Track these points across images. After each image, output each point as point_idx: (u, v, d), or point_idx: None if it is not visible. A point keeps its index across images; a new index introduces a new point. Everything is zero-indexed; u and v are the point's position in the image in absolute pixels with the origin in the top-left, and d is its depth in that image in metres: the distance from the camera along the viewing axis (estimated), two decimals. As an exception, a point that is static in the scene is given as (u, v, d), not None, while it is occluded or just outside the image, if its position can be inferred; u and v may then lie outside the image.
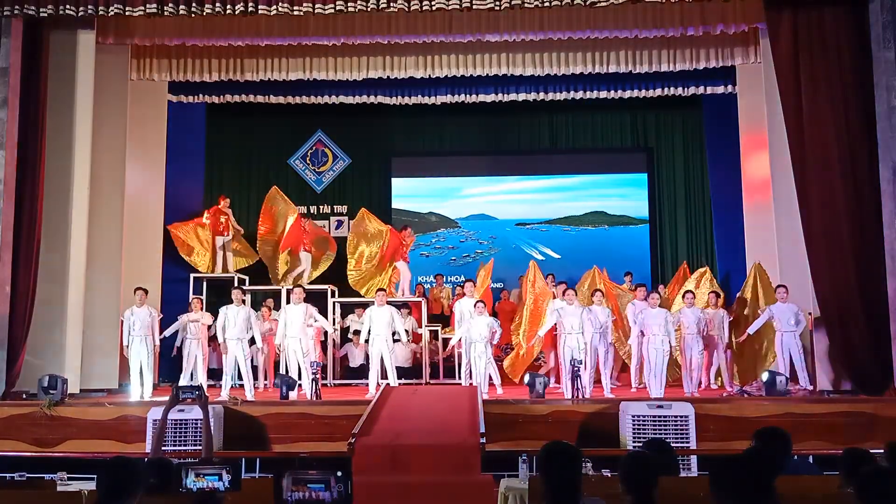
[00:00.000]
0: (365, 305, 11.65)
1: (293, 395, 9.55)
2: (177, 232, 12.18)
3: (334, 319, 12.09)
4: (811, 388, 9.57)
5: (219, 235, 12.48)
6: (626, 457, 3.50)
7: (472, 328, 9.95)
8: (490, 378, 10.02)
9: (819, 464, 6.07)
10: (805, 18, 9.92)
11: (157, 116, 11.84)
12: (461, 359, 10.32)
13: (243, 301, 10.35)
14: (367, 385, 10.25)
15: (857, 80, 9.63)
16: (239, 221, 15.12)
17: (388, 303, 10.51)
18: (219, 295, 12.68)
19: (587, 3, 9.35)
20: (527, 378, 9.37)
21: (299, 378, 9.88)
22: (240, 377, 10.01)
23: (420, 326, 11.83)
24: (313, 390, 9.39)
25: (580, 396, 8.99)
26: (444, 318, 12.68)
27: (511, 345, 11.30)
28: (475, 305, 10.19)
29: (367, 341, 10.32)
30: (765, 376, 9.22)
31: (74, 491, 5.28)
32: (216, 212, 12.60)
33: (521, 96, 12.68)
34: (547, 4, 9.43)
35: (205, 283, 12.46)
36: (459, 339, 10.33)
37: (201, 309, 10.45)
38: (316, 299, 11.28)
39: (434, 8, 9.38)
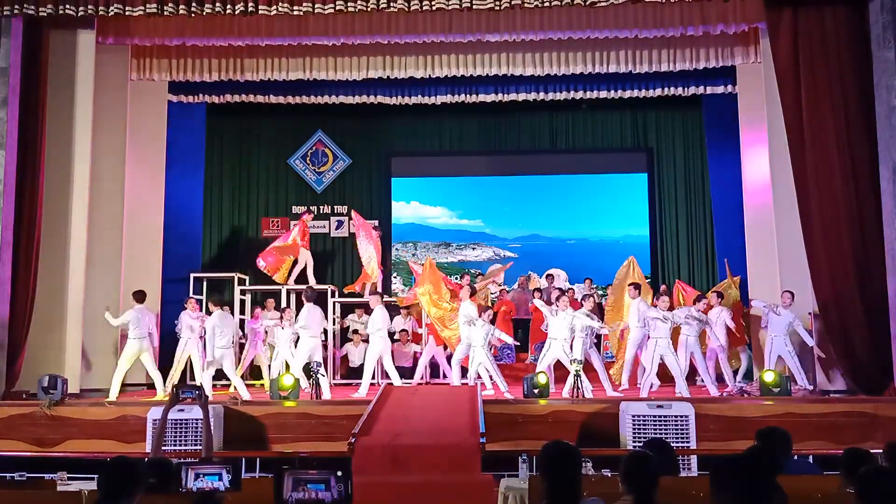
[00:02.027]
0: (365, 306, 11.65)
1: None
2: (278, 255, 12.19)
3: (335, 319, 12.09)
4: (811, 387, 9.57)
5: (304, 248, 12.51)
6: (627, 456, 3.50)
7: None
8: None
9: (819, 464, 6.08)
10: (805, 18, 9.93)
11: (157, 116, 11.83)
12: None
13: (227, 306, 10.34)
14: (372, 384, 10.25)
15: (857, 80, 9.63)
16: (239, 221, 15.19)
17: (389, 303, 10.52)
18: (219, 294, 12.67)
19: (587, 3, 9.35)
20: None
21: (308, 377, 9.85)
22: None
23: (420, 326, 11.81)
24: (314, 390, 9.39)
25: (580, 396, 8.99)
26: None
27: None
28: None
29: (366, 340, 10.34)
30: (769, 376, 9.21)
31: (74, 491, 5.29)
32: (305, 227, 12.64)
33: (521, 96, 12.68)
34: (547, 4, 9.43)
35: (205, 283, 12.46)
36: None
37: (199, 309, 10.39)
38: (316, 299, 11.31)
39: (434, 8, 9.39)
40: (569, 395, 9.21)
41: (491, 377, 9.99)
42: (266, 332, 11.18)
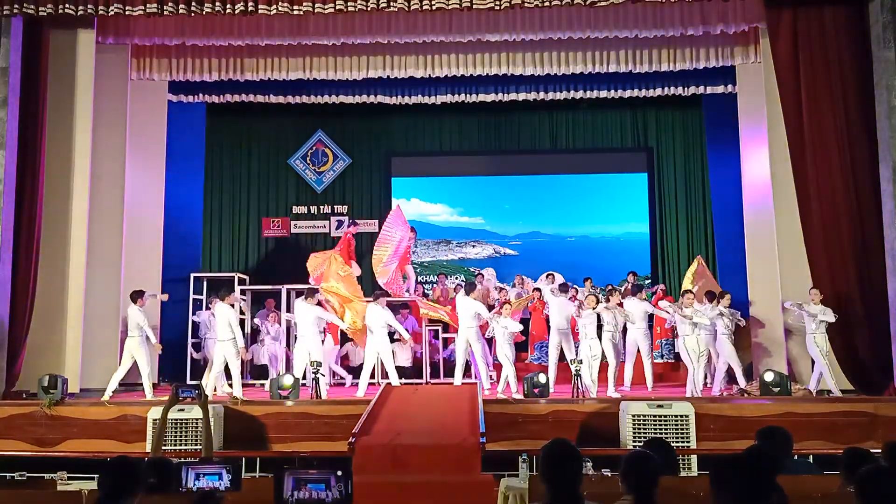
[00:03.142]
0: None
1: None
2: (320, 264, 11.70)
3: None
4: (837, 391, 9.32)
5: (352, 260, 12.21)
6: (627, 456, 3.49)
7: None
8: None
9: (819, 464, 6.08)
10: (805, 18, 9.95)
11: (157, 116, 11.81)
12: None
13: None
14: (373, 384, 10.24)
15: (857, 80, 9.65)
16: (239, 221, 15.17)
17: (390, 303, 10.52)
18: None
19: (587, 3, 9.35)
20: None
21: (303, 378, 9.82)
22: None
23: (420, 326, 11.81)
24: (314, 390, 9.38)
25: (580, 396, 9.00)
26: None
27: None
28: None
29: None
30: (769, 376, 9.21)
31: (74, 490, 5.30)
32: (346, 240, 12.33)
33: (521, 96, 12.65)
34: (547, 4, 9.44)
35: (205, 283, 12.45)
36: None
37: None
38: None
39: (434, 8, 9.39)
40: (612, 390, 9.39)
41: (489, 375, 9.99)
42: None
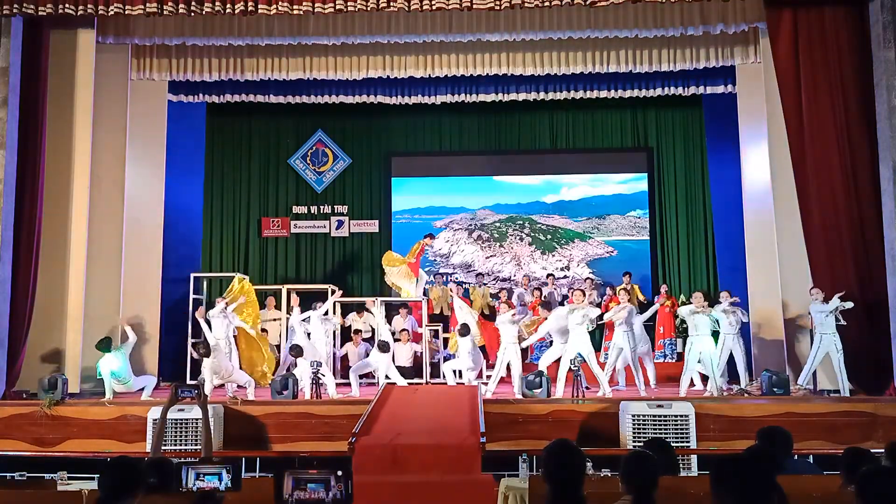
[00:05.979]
0: (364, 306, 11.67)
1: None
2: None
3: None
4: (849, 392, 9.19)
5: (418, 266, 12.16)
6: (627, 456, 3.49)
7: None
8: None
9: (819, 464, 6.08)
10: (805, 18, 9.95)
11: (157, 116, 11.80)
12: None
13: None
14: (373, 384, 10.26)
15: (857, 80, 9.65)
16: (239, 221, 15.16)
17: (388, 303, 10.54)
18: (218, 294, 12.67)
19: (587, 3, 9.35)
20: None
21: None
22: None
23: (420, 326, 11.81)
24: (313, 390, 9.38)
25: (581, 396, 9.00)
26: (444, 318, 12.65)
27: None
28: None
29: (366, 340, 10.36)
30: (769, 375, 9.22)
31: (75, 490, 5.29)
32: (417, 247, 12.24)
33: (522, 95, 12.65)
34: (547, 4, 9.43)
35: (205, 283, 12.46)
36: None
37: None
38: (318, 298, 11.35)
39: (434, 8, 9.38)
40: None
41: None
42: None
